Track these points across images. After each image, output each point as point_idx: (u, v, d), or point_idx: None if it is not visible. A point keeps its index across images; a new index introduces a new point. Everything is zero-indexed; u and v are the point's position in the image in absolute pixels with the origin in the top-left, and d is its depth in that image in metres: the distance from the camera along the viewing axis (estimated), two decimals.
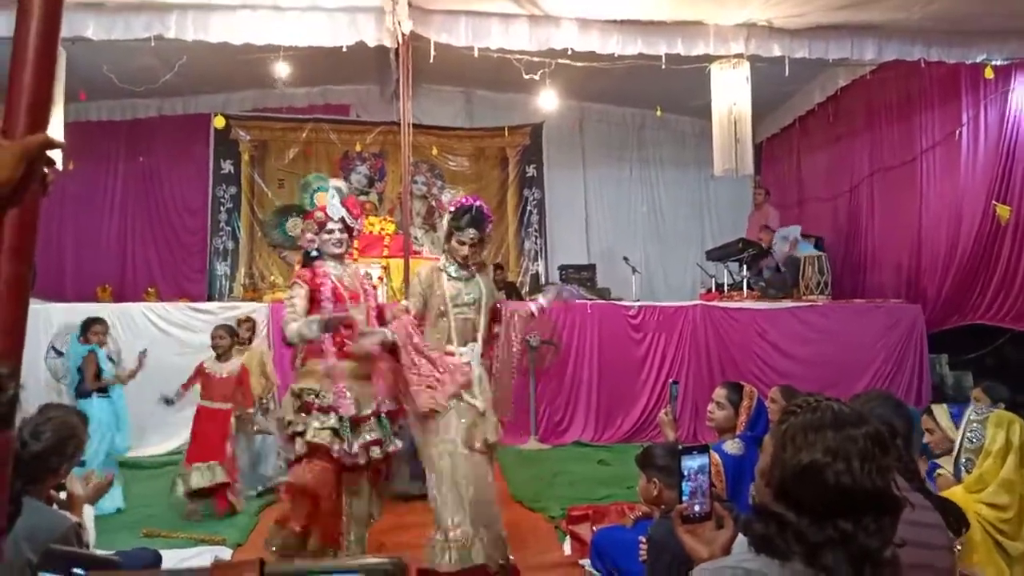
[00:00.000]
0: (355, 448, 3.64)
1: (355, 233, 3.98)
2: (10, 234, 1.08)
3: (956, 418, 3.25)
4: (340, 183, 3.99)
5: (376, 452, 3.74)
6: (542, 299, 4.20)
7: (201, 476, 5.18)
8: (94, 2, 6.17)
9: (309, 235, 3.87)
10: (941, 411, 3.42)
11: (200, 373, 5.49)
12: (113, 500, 5.19)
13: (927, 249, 8.45)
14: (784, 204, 10.73)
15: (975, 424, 2.94)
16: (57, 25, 1.18)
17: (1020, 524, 2.75)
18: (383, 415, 3.79)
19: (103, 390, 5.47)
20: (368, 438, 3.70)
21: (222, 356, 5.52)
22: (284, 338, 3.73)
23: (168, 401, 5.48)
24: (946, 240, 8.10)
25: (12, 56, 1.15)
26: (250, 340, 5.83)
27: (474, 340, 3.86)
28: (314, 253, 3.87)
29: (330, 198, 3.81)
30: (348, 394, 3.66)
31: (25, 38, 1.15)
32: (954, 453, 3.01)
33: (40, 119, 1.13)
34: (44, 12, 1.16)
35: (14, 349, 1.03)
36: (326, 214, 3.80)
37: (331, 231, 3.81)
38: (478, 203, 3.88)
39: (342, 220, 3.82)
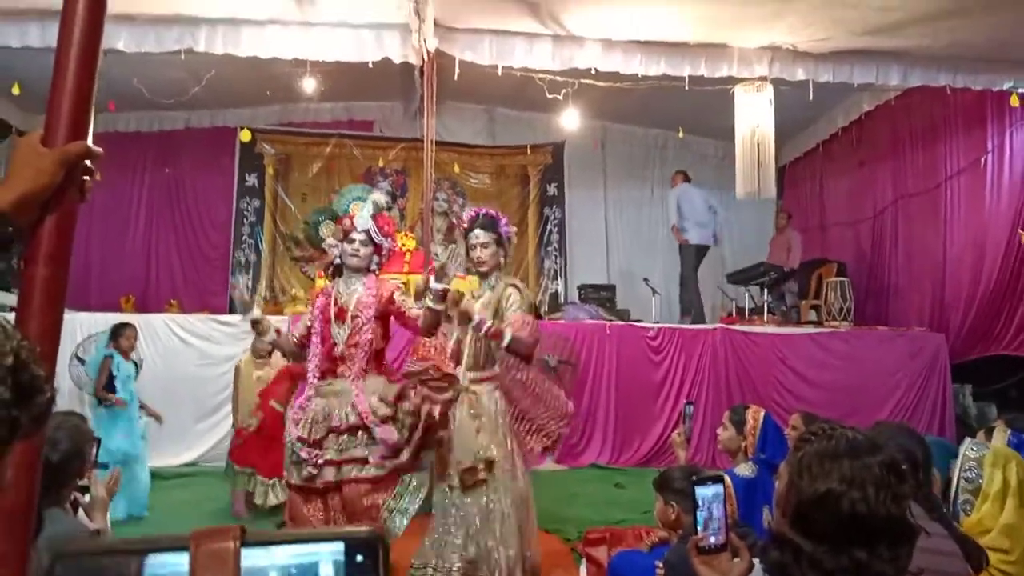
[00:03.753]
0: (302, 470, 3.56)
1: (384, 252, 3.87)
2: (48, 240, 1.11)
3: (1014, 445, 3.15)
4: (381, 197, 3.93)
5: (350, 470, 3.55)
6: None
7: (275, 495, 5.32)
8: (126, 14, 6.27)
9: (332, 240, 3.83)
10: (1000, 435, 3.31)
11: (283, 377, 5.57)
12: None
13: (951, 277, 8.36)
14: (806, 228, 10.67)
15: (972, 462, 2.80)
16: (99, 38, 1.20)
17: None
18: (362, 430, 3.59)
19: (107, 402, 5.50)
20: (332, 456, 3.54)
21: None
22: None
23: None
24: (970, 268, 8.02)
25: (54, 66, 1.18)
26: (270, 354, 5.86)
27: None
28: (337, 261, 3.87)
29: (362, 209, 3.79)
30: (304, 414, 3.62)
31: (67, 49, 1.17)
32: (951, 493, 2.89)
33: (80, 129, 1.16)
34: (86, 24, 1.19)
35: (49, 352, 1.05)
36: (352, 223, 3.75)
37: (352, 240, 3.73)
38: (484, 210, 3.94)
39: (367, 233, 3.75)
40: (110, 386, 5.53)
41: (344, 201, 3.87)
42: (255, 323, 3.87)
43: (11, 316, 1.05)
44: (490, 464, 3.68)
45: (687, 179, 9.93)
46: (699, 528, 1.72)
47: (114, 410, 5.46)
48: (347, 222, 3.76)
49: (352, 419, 3.56)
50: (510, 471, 3.77)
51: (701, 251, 9.58)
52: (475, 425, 3.72)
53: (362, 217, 3.75)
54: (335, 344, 3.68)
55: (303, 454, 3.55)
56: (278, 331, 4.00)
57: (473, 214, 3.95)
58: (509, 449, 3.80)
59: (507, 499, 3.73)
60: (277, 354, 6.25)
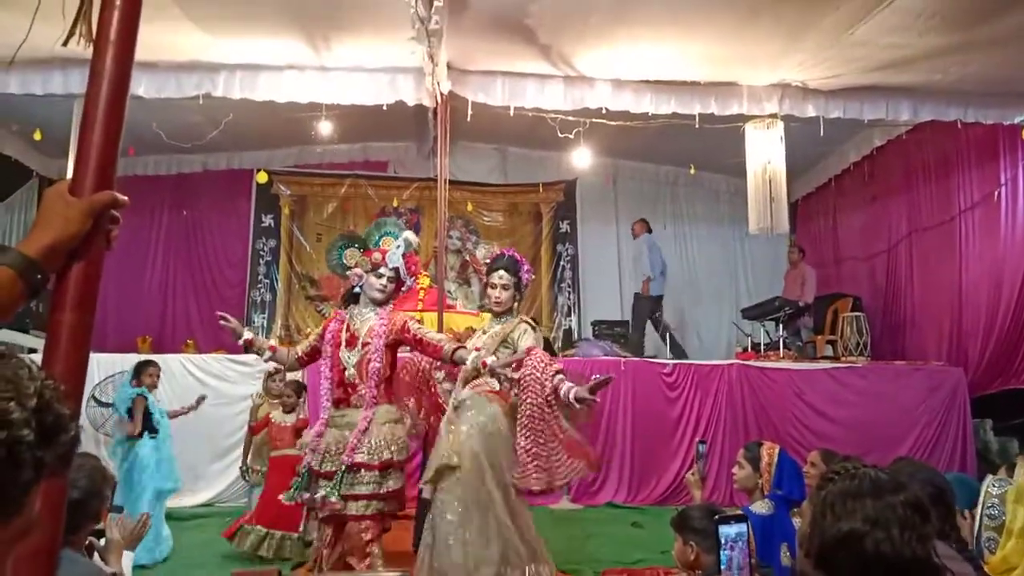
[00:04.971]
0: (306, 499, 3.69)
1: (404, 288, 4.00)
2: (75, 285, 1.14)
3: None
4: (413, 237, 4.02)
5: (353, 507, 3.63)
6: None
7: (266, 545, 5.24)
8: (147, 61, 6.42)
9: (359, 270, 3.89)
10: (1022, 470, 3.26)
11: (267, 424, 5.68)
12: (151, 552, 5.19)
13: (968, 311, 8.29)
14: (820, 263, 10.64)
15: (994, 498, 2.77)
16: (126, 89, 1.25)
17: None
18: (362, 468, 3.65)
19: (153, 429, 5.54)
20: (325, 493, 3.60)
21: (288, 410, 5.70)
22: None
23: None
24: (987, 302, 7.96)
25: (83, 117, 1.22)
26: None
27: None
28: (356, 290, 3.92)
29: (394, 246, 3.86)
30: (318, 444, 3.73)
31: (96, 100, 1.21)
32: (974, 531, 2.84)
33: (107, 178, 1.20)
34: (114, 76, 1.23)
35: (75, 392, 1.07)
36: (384, 258, 3.83)
37: (380, 275, 3.83)
38: (510, 252, 3.99)
39: (395, 270, 3.84)
40: (149, 424, 5.56)
41: (377, 233, 3.95)
42: (247, 344, 4.00)
43: (29, 357, 1.07)
44: (448, 470, 3.64)
45: (649, 230, 10.34)
46: (723, 568, 1.71)
47: (159, 446, 5.49)
48: (377, 256, 3.85)
49: (358, 457, 3.64)
50: (479, 488, 3.63)
51: (657, 301, 9.94)
52: (448, 429, 3.74)
53: (394, 255, 3.84)
54: (344, 369, 3.76)
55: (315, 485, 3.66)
56: (272, 347, 4.13)
57: (499, 253, 4.04)
58: (486, 465, 3.66)
59: (475, 514, 3.61)
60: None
